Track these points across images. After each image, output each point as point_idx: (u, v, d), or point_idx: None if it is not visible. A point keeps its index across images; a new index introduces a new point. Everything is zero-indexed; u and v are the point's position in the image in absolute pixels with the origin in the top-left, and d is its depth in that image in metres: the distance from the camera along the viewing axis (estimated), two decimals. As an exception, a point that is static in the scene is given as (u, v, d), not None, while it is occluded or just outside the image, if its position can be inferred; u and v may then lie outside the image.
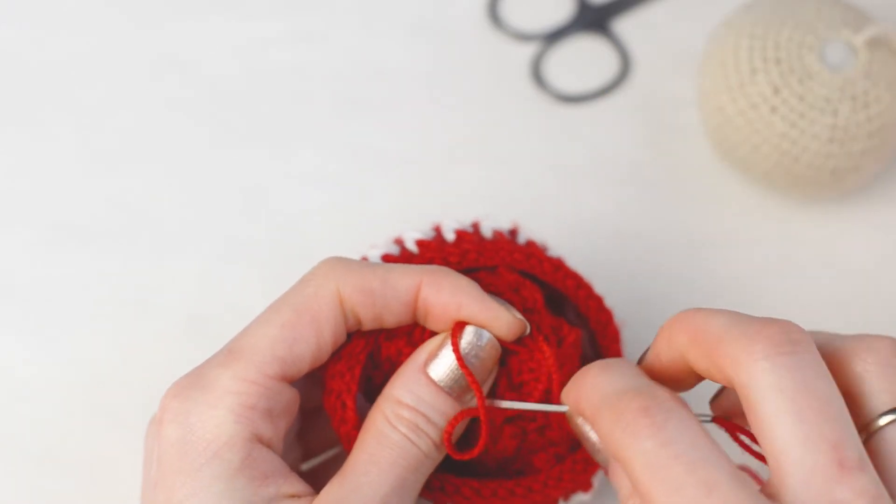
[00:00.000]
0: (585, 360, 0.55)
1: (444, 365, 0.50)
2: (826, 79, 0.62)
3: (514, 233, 0.56)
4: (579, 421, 0.47)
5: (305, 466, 0.57)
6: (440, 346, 0.51)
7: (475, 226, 0.56)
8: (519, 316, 0.51)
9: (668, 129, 0.68)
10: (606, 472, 0.47)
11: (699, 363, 0.45)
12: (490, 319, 0.50)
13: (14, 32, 0.71)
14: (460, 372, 0.50)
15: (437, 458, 0.50)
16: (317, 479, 0.56)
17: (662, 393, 0.43)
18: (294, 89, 0.70)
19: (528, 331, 0.51)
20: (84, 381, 0.63)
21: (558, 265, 0.54)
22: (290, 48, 0.70)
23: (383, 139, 0.69)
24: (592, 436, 0.47)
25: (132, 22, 0.71)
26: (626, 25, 0.71)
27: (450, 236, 0.54)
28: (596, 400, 0.44)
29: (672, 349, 0.46)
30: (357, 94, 0.70)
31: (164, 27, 0.71)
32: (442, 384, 0.50)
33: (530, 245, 0.55)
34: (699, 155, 0.68)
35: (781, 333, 0.43)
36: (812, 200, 0.67)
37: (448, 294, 0.50)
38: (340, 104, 0.69)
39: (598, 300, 0.55)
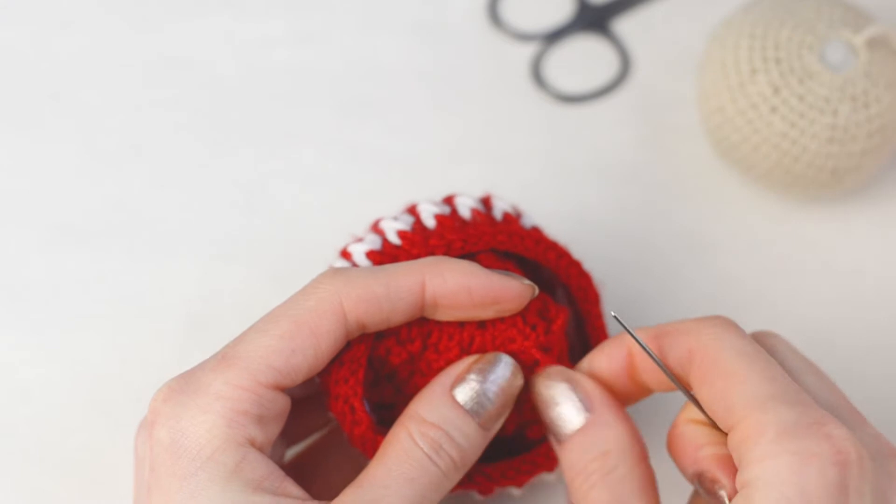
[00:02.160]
0: (570, 340, 0.56)
1: (469, 389, 0.51)
2: (826, 79, 0.62)
3: (487, 204, 0.56)
4: (564, 373, 0.51)
5: (289, 454, 0.57)
6: (467, 371, 0.51)
7: (450, 202, 0.56)
8: (527, 281, 0.52)
9: (668, 129, 0.68)
10: None
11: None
12: (501, 293, 0.51)
13: (14, 33, 0.71)
14: (484, 398, 0.51)
15: (455, 479, 0.50)
16: (299, 468, 0.56)
17: None
18: (294, 89, 0.70)
19: (537, 292, 0.52)
20: (84, 381, 0.63)
21: (538, 238, 0.54)
22: (290, 48, 0.70)
23: (383, 139, 0.69)
24: (571, 393, 0.51)
25: (132, 22, 0.71)
26: (626, 25, 0.71)
27: (430, 223, 0.54)
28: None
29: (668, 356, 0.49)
30: (357, 94, 0.70)
31: (164, 27, 0.71)
32: (466, 408, 0.51)
33: (508, 220, 0.55)
34: (699, 155, 0.68)
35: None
36: (812, 200, 0.67)
37: (454, 282, 0.50)
38: (340, 104, 0.69)
39: (577, 266, 0.55)
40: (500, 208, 0.56)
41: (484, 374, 0.51)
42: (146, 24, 0.71)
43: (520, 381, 0.52)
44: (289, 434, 0.56)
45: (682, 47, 0.70)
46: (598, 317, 0.56)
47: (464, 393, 0.51)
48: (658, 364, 0.49)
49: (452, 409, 0.50)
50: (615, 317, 0.50)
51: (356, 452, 0.53)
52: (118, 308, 0.65)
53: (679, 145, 0.68)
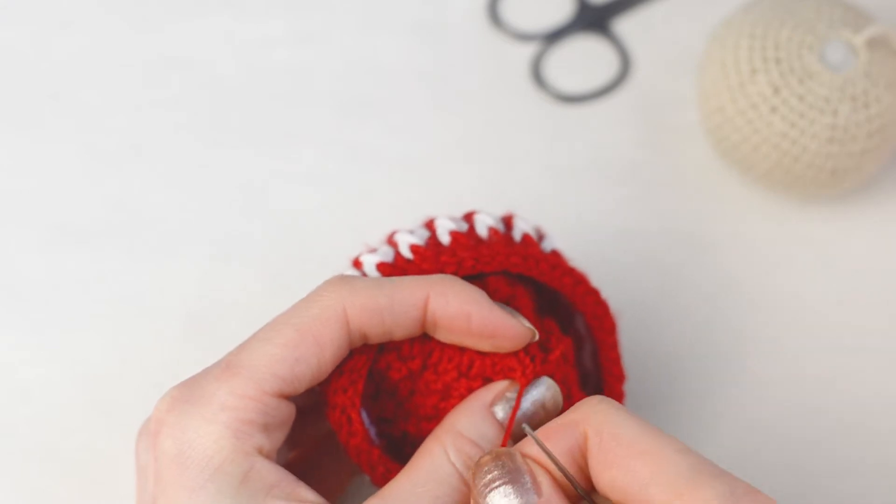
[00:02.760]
0: (584, 368, 0.55)
1: (509, 408, 0.50)
2: (826, 79, 0.62)
3: (508, 224, 0.56)
4: (519, 459, 0.47)
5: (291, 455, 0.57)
6: (507, 389, 0.51)
7: (469, 219, 0.55)
8: (527, 324, 0.51)
9: (668, 129, 0.68)
10: None
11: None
12: (499, 329, 0.50)
13: (14, 33, 0.71)
14: (522, 417, 0.50)
15: None
16: (294, 471, 0.56)
17: None
18: (294, 89, 0.70)
19: (536, 338, 0.51)
20: (84, 381, 0.63)
21: (555, 263, 0.54)
22: (290, 48, 0.70)
23: (383, 139, 0.69)
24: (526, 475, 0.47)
25: (132, 22, 0.71)
26: (626, 25, 0.71)
27: (445, 239, 0.54)
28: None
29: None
30: (357, 94, 0.70)
31: (164, 27, 0.71)
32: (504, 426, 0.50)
33: (526, 241, 0.55)
34: (699, 155, 0.68)
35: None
36: (812, 200, 0.67)
37: (456, 306, 0.50)
38: (340, 104, 0.69)
39: (594, 294, 0.54)
40: (520, 229, 0.55)
41: (525, 393, 0.51)
42: (146, 24, 0.71)
43: (560, 402, 0.51)
44: (291, 441, 0.56)
45: (682, 47, 0.70)
46: (613, 347, 0.55)
47: (504, 411, 0.50)
48: (565, 473, 0.47)
49: (491, 426, 0.50)
50: (525, 427, 0.48)
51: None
52: (118, 308, 0.65)
53: (679, 145, 0.68)
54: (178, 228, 0.67)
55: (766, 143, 0.62)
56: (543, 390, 0.51)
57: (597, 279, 0.56)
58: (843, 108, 0.61)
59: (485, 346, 0.51)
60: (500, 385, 0.51)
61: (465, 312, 0.50)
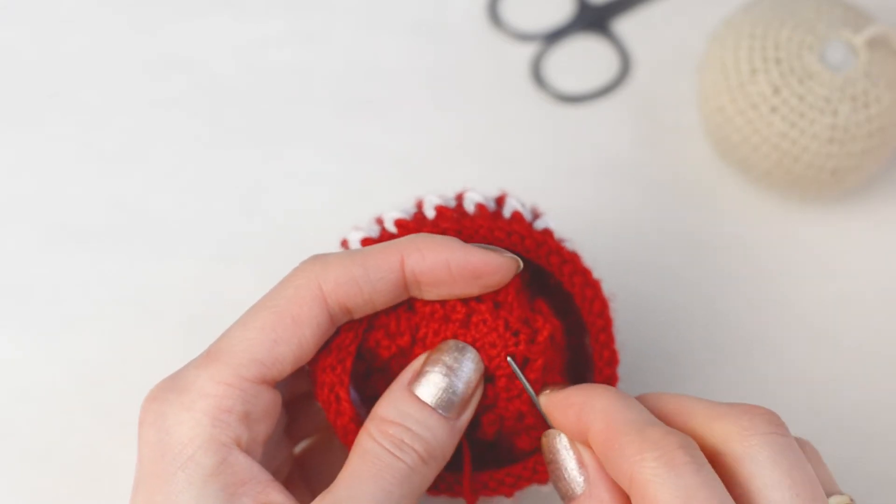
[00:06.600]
0: (574, 352, 0.55)
1: (427, 382, 0.50)
2: (826, 79, 0.62)
3: (500, 202, 0.56)
4: (560, 443, 0.48)
5: (297, 450, 0.57)
6: (424, 365, 0.50)
7: (459, 198, 0.55)
8: (509, 255, 0.50)
9: (668, 129, 0.69)
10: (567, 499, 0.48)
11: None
12: (481, 266, 0.50)
13: (14, 32, 0.71)
14: (447, 392, 0.50)
15: (426, 472, 0.49)
16: (303, 465, 0.55)
17: (692, 440, 0.45)
18: (294, 89, 0.70)
19: (521, 266, 0.51)
20: (84, 381, 0.63)
21: (542, 241, 0.53)
22: (290, 48, 0.71)
23: (383, 139, 0.69)
24: (570, 462, 0.48)
25: (132, 22, 0.71)
26: (626, 25, 0.71)
27: (430, 213, 0.54)
28: (619, 424, 0.46)
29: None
30: (357, 94, 0.70)
31: (164, 27, 0.71)
32: (428, 402, 0.50)
33: (515, 218, 0.54)
34: (699, 155, 0.68)
35: (770, 415, 0.46)
36: (812, 200, 0.67)
37: (432, 256, 0.50)
38: (340, 104, 0.69)
39: (583, 274, 0.53)
40: (510, 206, 0.55)
41: (439, 364, 0.50)
42: (146, 23, 0.71)
43: (480, 368, 0.51)
44: (296, 432, 0.56)
45: (682, 47, 0.70)
46: (604, 329, 0.54)
47: (423, 387, 0.50)
48: (536, 404, 0.49)
49: (410, 403, 0.50)
50: (509, 360, 0.50)
51: None
52: (118, 308, 0.65)
53: (679, 145, 0.68)
54: (178, 228, 0.67)
55: (766, 144, 0.63)
56: (462, 358, 0.51)
57: (606, 289, 0.56)
58: (843, 108, 0.62)
59: (473, 289, 0.50)
60: (416, 364, 0.51)
61: (443, 260, 0.50)
